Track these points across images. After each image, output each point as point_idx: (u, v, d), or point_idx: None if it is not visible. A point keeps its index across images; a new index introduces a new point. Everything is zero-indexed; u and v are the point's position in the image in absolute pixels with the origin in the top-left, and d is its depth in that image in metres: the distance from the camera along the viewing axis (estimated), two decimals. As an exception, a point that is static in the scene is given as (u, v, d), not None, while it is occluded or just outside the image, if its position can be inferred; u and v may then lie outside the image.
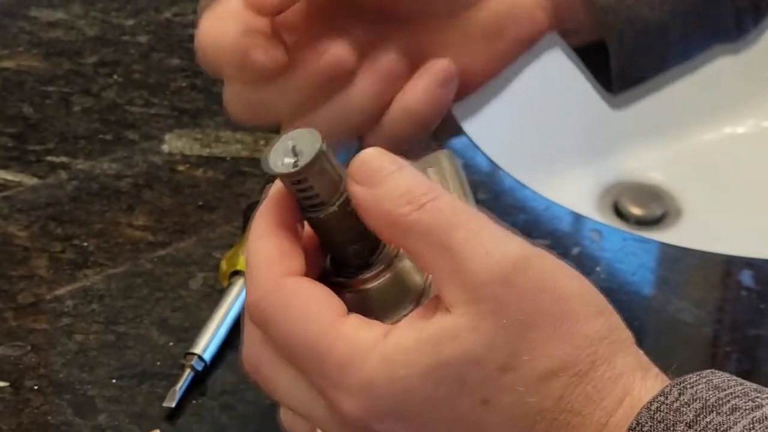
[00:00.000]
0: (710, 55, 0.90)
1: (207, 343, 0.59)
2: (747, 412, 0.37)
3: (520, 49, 0.55)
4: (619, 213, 0.87)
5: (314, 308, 0.39)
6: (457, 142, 0.72)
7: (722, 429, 0.37)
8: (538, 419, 0.39)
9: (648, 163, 0.90)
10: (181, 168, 0.69)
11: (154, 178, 0.69)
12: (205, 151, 0.70)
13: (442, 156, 0.46)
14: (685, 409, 0.38)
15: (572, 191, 0.87)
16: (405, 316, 0.40)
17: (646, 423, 0.38)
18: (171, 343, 0.60)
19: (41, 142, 0.70)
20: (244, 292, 0.59)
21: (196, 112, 0.72)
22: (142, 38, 0.77)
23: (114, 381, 0.58)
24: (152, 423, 0.57)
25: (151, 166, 0.69)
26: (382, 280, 0.41)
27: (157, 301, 0.62)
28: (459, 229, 0.38)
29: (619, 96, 0.59)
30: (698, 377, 0.39)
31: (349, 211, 0.40)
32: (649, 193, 0.88)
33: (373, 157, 0.40)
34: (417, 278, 0.42)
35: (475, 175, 0.70)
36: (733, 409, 0.38)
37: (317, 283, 0.40)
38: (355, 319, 0.39)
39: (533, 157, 0.85)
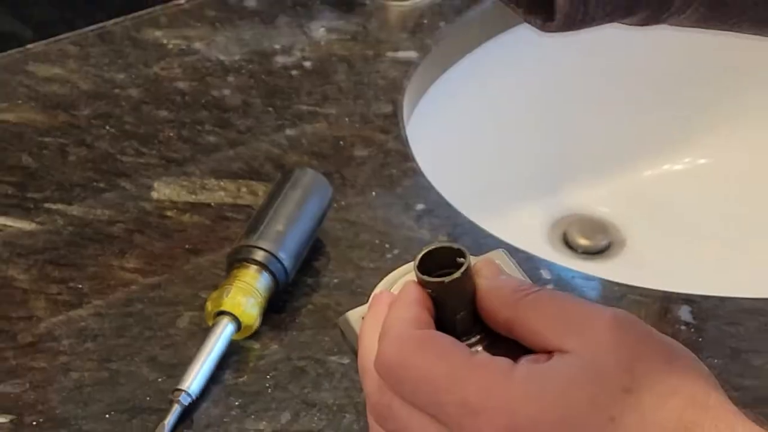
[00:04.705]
0: (650, 99, 0.91)
1: (193, 379, 0.58)
2: None
3: None
4: (568, 244, 0.87)
5: (450, 347, 0.43)
6: (413, 181, 0.71)
7: None
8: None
9: (595, 198, 0.90)
10: (169, 213, 0.68)
11: (145, 224, 0.68)
12: (192, 198, 0.69)
13: (502, 253, 0.50)
14: None
15: (525, 223, 0.87)
16: None
17: None
18: (160, 379, 0.59)
19: (39, 190, 0.69)
20: (228, 329, 0.60)
21: (183, 161, 0.72)
22: (133, 91, 0.76)
23: (107, 416, 0.58)
24: (143, 455, 0.56)
25: (141, 211, 0.68)
26: (480, 347, 0.45)
27: (148, 339, 0.61)
28: (568, 298, 0.44)
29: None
30: None
31: (466, 281, 0.45)
32: (596, 225, 0.88)
33: (493, 262, 0.47)
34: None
35: (436, 218, 0.69)
36: None
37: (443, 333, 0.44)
38: (483, 353, 0.43)
39: (489, 193, 0.85)
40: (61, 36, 0.79)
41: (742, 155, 0.91)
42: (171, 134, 0.73)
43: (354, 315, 0.50)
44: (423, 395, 0.43)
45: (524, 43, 0.83)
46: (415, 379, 0.43)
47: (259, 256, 0.61)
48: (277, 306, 0.63)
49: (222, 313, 0.60)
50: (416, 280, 0.46)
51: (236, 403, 0.58)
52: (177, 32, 0.80)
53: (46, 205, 0.69)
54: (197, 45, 0.79)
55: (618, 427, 0.40)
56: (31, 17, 0.79)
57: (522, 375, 0.41)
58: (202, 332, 0.61)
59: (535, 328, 0.43)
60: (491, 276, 0.46)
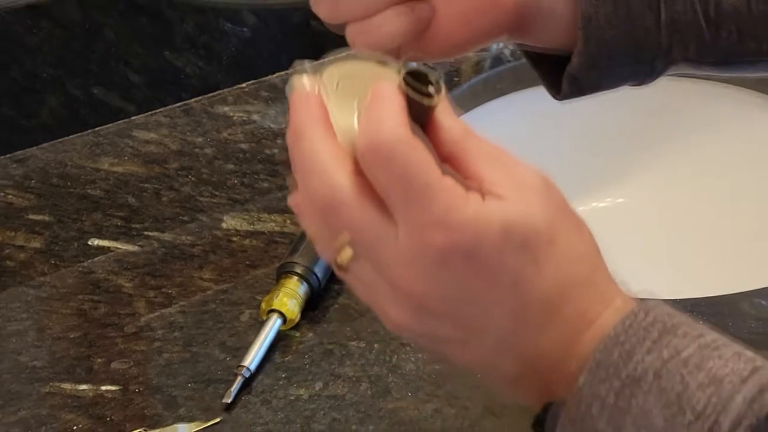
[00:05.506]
0: (580, 154, 0.91)
1: (252, 358, 0.58)
2: (694, 338, 0.35)
3: (487, 36, 0.44)
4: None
5: (432, 161, 0.35)
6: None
7: (679, 349, 0.34)
8: (571, 284, 0.36)
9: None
10: (234, 239, 0.69)
11: (216, 246, 0.68)
12: (251, 227, 0.69)
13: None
14: (651, 329, 0.35)
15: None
16: None
17: (622, 334, 0.35)
18: (228, 359, 0.59)
19: (140, 222, 0.70)
20: (276, 322, 0.60)
21: (245, 201, 0.72)
22: (208, 150, 0.77)
23: (189, 385, 0.58)
24: (215, 413, 0.56)
25: (214, 237, 0.69)
26: None
27: (219, 330, 0.61)
28: (507, 154, 0.37)
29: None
30: (656, 303, 0.36)
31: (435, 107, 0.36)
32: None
33: (448, 101, 0.38)
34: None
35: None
36: (685, 335, 0.35)
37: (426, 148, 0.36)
38: (451, 177, 0.36)
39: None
40: (156, 110, 0.80)
41: (650, 196, 0.91)
42: (236, 181, 0.74)
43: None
44: (397, 190, 0.35)
45: (487, 115, 0.84)
46: (397, 172, 0.35)
47: (300, 269, 0.62)
48: (313, 305, 0.63)
49: (272, 310, 0.60)
50: (402, 90, 0.36)
51: (283, 376, 0.58)
52: (240, 108, 0.81)
53: (146, 233, 0.69)
54: (255, 117, 0.80)
55: (540, 270, 0.35)
56: (135, 98, 0.80)
57: (474, 206, 0.35)
58: (258, 324, 0.61)
59: (475, 170, 0.36)
60: (447, 111, 0.37)
